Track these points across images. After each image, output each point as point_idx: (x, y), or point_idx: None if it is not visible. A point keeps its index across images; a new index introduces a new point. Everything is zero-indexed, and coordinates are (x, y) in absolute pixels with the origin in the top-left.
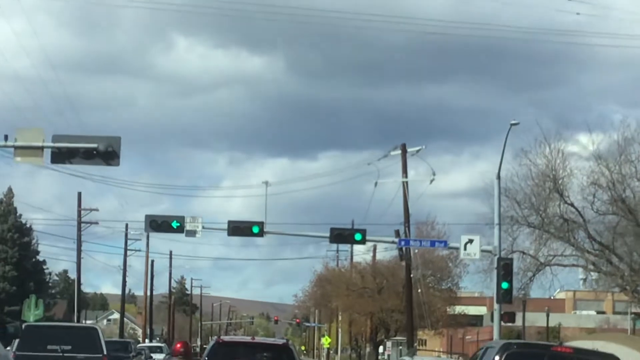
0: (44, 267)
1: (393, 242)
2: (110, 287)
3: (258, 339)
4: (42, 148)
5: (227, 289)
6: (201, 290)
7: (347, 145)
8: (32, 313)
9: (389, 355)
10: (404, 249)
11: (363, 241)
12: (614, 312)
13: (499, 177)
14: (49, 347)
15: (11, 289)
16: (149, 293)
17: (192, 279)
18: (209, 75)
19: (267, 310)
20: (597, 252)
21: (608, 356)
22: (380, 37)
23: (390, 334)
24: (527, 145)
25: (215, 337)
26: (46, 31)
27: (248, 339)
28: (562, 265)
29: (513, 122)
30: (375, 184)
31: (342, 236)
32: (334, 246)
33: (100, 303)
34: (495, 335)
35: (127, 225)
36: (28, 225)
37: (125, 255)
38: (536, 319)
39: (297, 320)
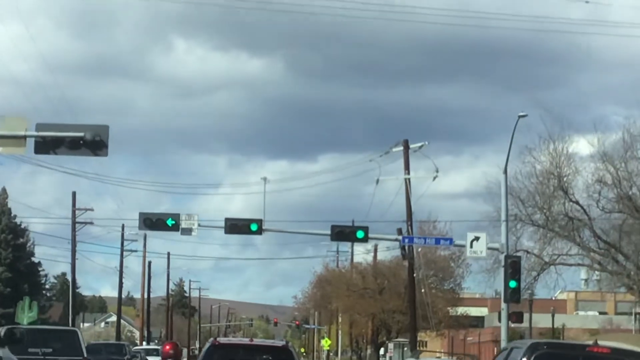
0: (40, 268)
1: (397, 240)
2: (109, 290)
3: (256, 341)
4: (24, 137)
5: (226, 292)
6: (200, 292)
7: (347, 146)
8: (25, 315)
9: (390, 357)
10: (406, 247)
11: (365, 239)
12: (616, 313)
13: (505, 171)
14: (30, 350)
15: (5, 291)
16: (146, 295)
17: (190, 280)
18: (208, 77)
19: (266, 312)
20: (603, 251)
21: None
22: (380, 37)
23: (391, 335)
24: (531, 143)
25: (211, 339)
26: (44, 34)
27: (246, 340)
28: (567, 264)
29: (521, 114)
30: (377, 181)
31: (343, 234)
32: (334, 247)
33: (99, 306)
34: (503, 336)
35: (123, 225)
36: (23, 226)
37: (122, 256)
38: (538, 320)
39: (297, 322)
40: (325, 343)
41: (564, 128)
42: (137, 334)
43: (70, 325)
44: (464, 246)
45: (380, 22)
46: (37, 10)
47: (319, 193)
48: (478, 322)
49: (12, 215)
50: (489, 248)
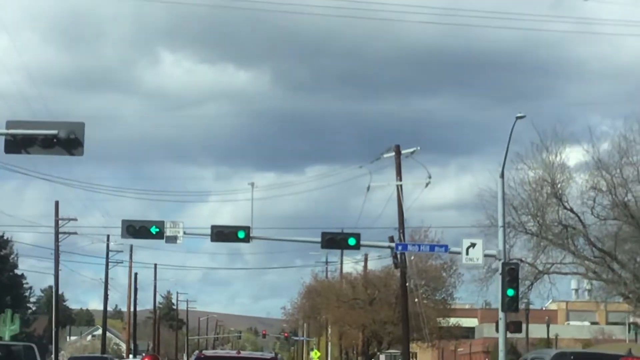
0: (24, 281)
1: (389, 247)
2: (97, 303)
3: (244, 353)
4: None
5: (214, 304)
6: (187, 304)
7: (335, 158)
8: (7, 329)
9: None
10: (398, 256)
11: (357, 246)
12: (608, 323)
13: (502, 175)
14: None
15: None
16: (132, 307)
17: (177, 292)
18: (196, 89)
19: (254, 324)
20: (598, 259)
21: None
22: (366, 49)
23: (382, 346)
24: (523, 150)
25: (196, 352)
26: (30, 47)
27: (233, 353)
28: (562, 273)
29: (519, 115)
30: (368, 187)
31: (334, 241)
32: (323, 257)
33: (86, 319)
34: (501, 347)
35: (108, 236)
36: (5, 238)
37: (107, 267)
38: (530, 330)
39: (285, 334)
40: (315, 355)
41: (557, 134)
42: (123, 346)
43: (53, 338)
44: (459, 253)
45: (367, 33)
46: (23, 24)
47: (308, 203)
48: (468, 332)
49: None
50: (485, 255)
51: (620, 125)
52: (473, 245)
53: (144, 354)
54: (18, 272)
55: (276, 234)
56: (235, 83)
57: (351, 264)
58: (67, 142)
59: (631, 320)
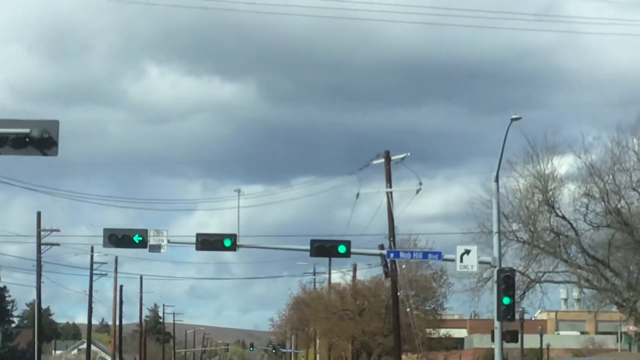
0: (6, 294)
1: (381, 255)
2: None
3: None
4: None
5: (202, 317)
6: (174, 317)
7: (321, 170)
8: None
9: None
10: (389, 265)
11: (347, 254)
12: (597, 332)
13: (497, 179)
14: None
15: None
16: (118, 320)
17: (164, 305)
18: (181, 102)
19: (242, 337)
20: (591, 267)
21: None
22: (352, 60)
23: (372, 358)
24: (514, 157)
25: None
26: (14, 61)
27: None
28: (554, 282)
29: (514, 116)
30: (357, 195)
31: (324, 249)
32: (311, 268)
33: (73, 333)
34: (497, 358)
35: (92, 247)
36: None
37: (91, 279)
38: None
39: (275, 345)
40: None
41: (547, 141)
42: None
43: (36, 352)
44: (453, 260)
45: (352, 45)
46: (7, 37)
47: (295, 214)
48: (457, 343)
49: None
50: (480, 262)
51: (610, 134)
52: (467, 252)
53: None
54: (0, 284)
55: (264, 242)
56: (221, 95)
57: (340, 275)
58: (40, 141)
59: (624, 329)
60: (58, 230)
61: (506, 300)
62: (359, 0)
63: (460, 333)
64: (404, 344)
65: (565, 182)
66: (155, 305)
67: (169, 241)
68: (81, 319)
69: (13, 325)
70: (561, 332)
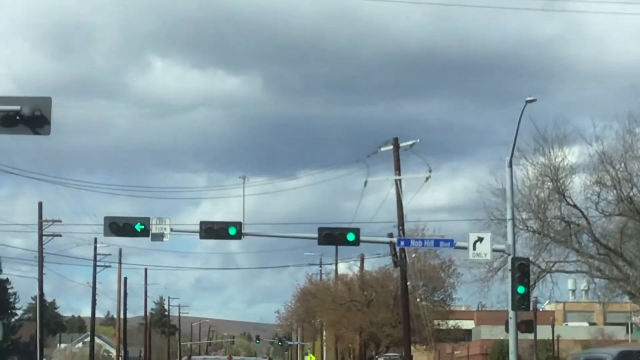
0: (8, 286)
1: (391, 243)
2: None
3: (236, 359)
4: None
5: (208, 310)
6: (179, 309)
7: (326, 162)
8: None
9: None
10: (398, 254)
11: (357, 242)
12: (606, 323)
13: (510, 165)
14: None
15: None
16: (122, 312)
17: (169, 297)
18: (186, 96)
19: (248, 330)
20: (603, 256)
21: None
22: (356, 53)
23: (380, 349)
24: (524, 145)
25: (184, 358)
26: (20, 56)
27: (224, 358)
28: (565, 271)
29: (529, 98)
30: (365, 183)
31: (332, 236)
32: (317, 260)
33: (78, 326)
34: (512, 349)
35: (95, 239)
36: None
37: (95, 270)
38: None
39: (281, 337)
40: (310, 359)
41: (558, 128)
42: (114, 353)
43: (38, 344)
44: (465, 248)
45: (356, 37)
46: (12, 32)
47: (300, 206)
48: (465, 335)
49: None
50: (494, 250)
51: (622, 122)
52: (480, 239)
53: None
54: (2, 277)
55: (270, 231)
56: (225, 88)
57: (347, 266)
58: (31, 119)
59: (634, 320)
60: (60, 221)
61: (521, 289)
62: None
63: (467, 324)
64: (412, 335)
65: (576, 171)
66: (161, 298)
67: (172, 229)
68: (87, 312)
69: (15, 318)
70: (570, 323)
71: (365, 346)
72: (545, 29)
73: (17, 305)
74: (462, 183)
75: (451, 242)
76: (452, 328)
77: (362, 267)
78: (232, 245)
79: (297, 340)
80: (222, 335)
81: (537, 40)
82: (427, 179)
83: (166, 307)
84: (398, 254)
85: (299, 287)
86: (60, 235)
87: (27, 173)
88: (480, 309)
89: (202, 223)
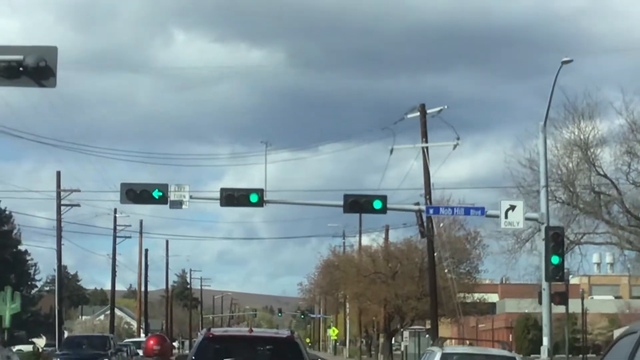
0: (27, 257)
1: (419, 211)
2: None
3: (257, 332)
4: None
5: (230, 283)
6: (201, 282)
7: (349, 136)
8: (7, 307)
9: (406, 347)
10: (425, 225)
11: (384, 209)
12: (631, 297)
13: (545, 125)
14: None
15: None
16: (142, 282)
17: (191, 270)
18: (208, 68)
19: (270, 303)
20: (634, 227)
21: None
22: (380, 26)
23: (405, 322)
24: (553, 113)
25: (203, 330)
26: (42, 29)
27: (245, 331)
28: (594, 243)
29: (565, 59)
30: (391, 150)
31: (358, 204)
32: (340, 232)
33: (101, 299)
34: (545, 321)
35: (115, 209)
36: (7, 212)
37: (115, 241)
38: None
39: (303, 310)
40: (333, 332)
41: (589, 96)
42: (135, 325)
43: (56, 315)
44: (497, 217)
45: (380, 10)
46: (34, 5)
47: (323, 180)
48: (489, 308)
49: None
50: (527, 218)
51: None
52: (513, 207)
53: (149, 334)
54: (22, 248)
55: (292, 198)
56: (248, 61)
57: (371, 238)
58: (35, 70)
59: None
60: (78, 190)
61: (555, 260)
62: None
63: (491, 298)
64: (439, 308)
65: (606, 140)
66: (183, 271)
67: (191, 197)
68: (110, 285)
69: (36, 289)
70: (595, 297)
71: (389, 319)
72: (570, 2)
73: (36, 277)
74: (485, 157)
75: (482, 210)
76: (477, 301)
77: (386, 238)
78: (255, 216)
79: (319, 314)
80: (244, 309)
81: (562, 13)
82: (455, 146)
83: (188, 280)
84: (425, 223)
85: (322, 259)
86: (78, 205)
87: (49, 141)
88: (504, 282)
89: (222, 190)
